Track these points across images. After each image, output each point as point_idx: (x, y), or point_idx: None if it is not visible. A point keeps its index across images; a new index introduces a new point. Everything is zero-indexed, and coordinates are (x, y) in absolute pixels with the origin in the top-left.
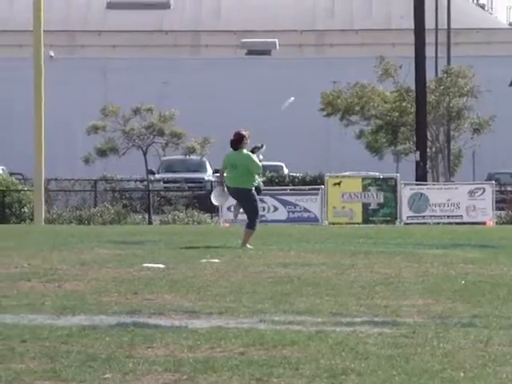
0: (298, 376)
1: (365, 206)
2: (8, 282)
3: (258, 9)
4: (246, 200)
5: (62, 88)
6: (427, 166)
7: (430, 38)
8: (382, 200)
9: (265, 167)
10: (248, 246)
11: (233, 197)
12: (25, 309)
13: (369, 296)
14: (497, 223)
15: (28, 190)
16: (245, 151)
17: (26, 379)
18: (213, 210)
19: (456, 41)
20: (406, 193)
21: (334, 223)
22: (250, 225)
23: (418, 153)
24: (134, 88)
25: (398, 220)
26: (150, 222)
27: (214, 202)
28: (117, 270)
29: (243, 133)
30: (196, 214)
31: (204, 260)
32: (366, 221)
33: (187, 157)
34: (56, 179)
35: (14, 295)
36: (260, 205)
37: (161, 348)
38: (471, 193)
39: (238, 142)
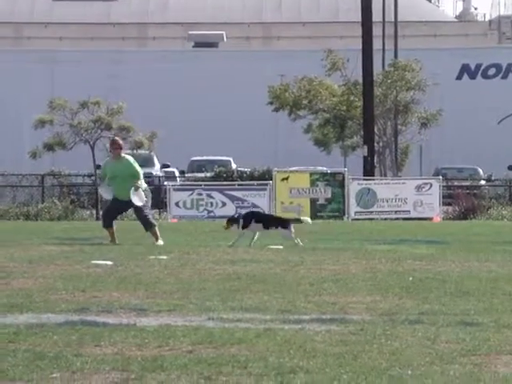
0: (247, 374)
1: (313, 202)
2: None
3: (205, 1)
4: None
5: (9, 81)
6: (375, 161)
7: (377, 31)
8: (329, 195)
9: (213, 162)
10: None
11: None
12: None
13: (317, 293)
14: (443, 219)
15: None
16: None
17: None
18: (161, 206)
19: (403, 33)
20: (353, 188)
21: None
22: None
23: (365, 147)
24: (82, 81)
25: (346, 215)
26: (97, 218)
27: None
28: (65, 266)
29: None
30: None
31: (152, 257)
32: (313, 216)
33: (135, 151)
34: (3, 174)
35: None
36: (207, 200)
37: (109, 346)
38: (418, 188)
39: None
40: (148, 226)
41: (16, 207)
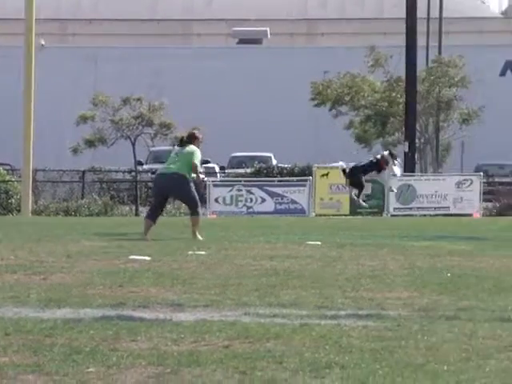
0: (282, 369)
1: (352, 198)
2: None
3: None
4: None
5: (53, 77)
6: (415, 157)
7: (421, 27)
8: (369, 191)
9: (253, 158)
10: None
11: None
12: (9, 301)
13: (354, 288)
14: (483, 215)
15: (15, 181)
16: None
17: (9, 372)
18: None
19: (448, 30)
20: (393, 184)
21: (321, 215)
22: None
23: (406, 144)
24: (125, 77)
25: (385, 212)
26: (136, 214)
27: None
28: (103, 262)
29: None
30: (183, 205)
31: (190, 252)
32: (353, 212)
33: (176, 147)
34: (44, 170)
35: None
36: (246, 196)
37: (145, 341)
38: (459, 184)
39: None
40: (194, 211)
41: (56, 203)
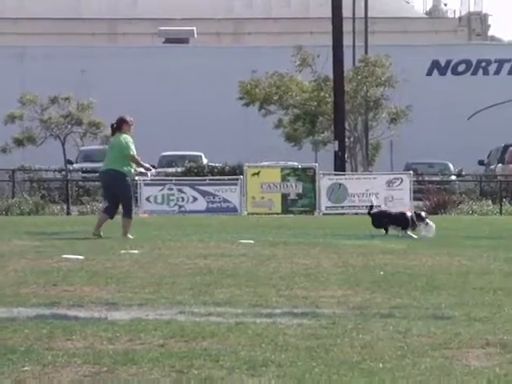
0: (218, 367)
1: (284, 197)
2: None
3: None
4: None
5: None
6: (346, 156)
7: (347, 27)
8: (300, 190)
9: (183, 157)
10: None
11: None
12: None
13: (288, 287)
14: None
15: None
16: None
17: None
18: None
19: (373, 30)
20: (324, 183)
21: (253, 213)
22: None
23: (336, 142)
24: (52, 76)
25: (317, 210)
26: (68, 213)
27: None
28: (36, 261)
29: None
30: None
31: (123, 251)
32: (285, 211)
33: (106, 146)
34: None
35: None
36: (178, 195)
37: (80, 340)
38: (389, 183)
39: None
40: (128, 214)
41: None
